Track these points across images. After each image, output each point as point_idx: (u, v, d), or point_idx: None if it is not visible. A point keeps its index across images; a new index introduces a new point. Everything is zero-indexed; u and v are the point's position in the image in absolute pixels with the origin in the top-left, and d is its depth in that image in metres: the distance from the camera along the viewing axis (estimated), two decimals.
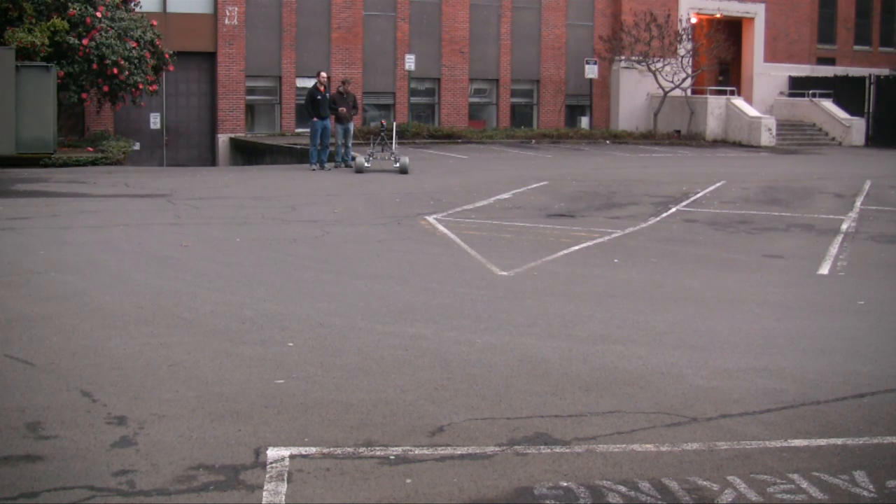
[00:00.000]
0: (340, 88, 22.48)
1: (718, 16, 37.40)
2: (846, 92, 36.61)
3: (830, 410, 6.17)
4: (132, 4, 25.57)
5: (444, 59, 33.08)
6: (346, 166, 22.18)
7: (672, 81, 33.59)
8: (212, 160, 30.13)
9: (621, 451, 5.36)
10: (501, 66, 34.08)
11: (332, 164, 22.40)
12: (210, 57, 30.00)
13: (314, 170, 21.53)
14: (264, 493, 4.70)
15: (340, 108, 22.01)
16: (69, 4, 23.09)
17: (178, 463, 5.04)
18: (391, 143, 22.30)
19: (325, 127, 21.77)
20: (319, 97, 21.74)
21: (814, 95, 36.93)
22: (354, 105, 22.69)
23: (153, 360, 6.88)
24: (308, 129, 23.01)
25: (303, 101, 24.70)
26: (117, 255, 11.07)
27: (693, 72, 34.61)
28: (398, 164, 20.93)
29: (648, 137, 33.77)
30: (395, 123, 25.28)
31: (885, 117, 35.45)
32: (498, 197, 17.45)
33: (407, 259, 11.52)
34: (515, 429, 5.67)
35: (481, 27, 33.68)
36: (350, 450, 5.28)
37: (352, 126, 22.63)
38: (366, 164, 21.06)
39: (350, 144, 22.59)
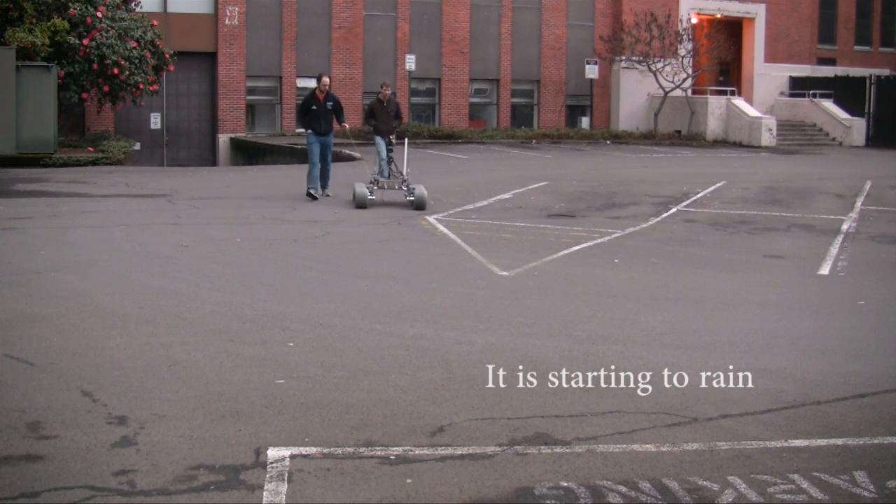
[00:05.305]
0: (380, 95, 17.67)
1: (719, 16, 37.41)
2: (846, 92, 36.60)
3: (831, 411, 6.16)
4: (133, 4, 25.61)
5: (445, 60, 33.08)
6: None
7: (672, 82, 33.58)
8: (212, 160, 30.14)
9: (622, 451, 5.35)
10: (502, 67, 34.08)
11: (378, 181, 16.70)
12: (210, 57, 30.01)
13: (311, 197, 16.61)
14: (265, 493, 4.70)
15: (377, 123, 17.57)
16: (70, 4, 23.10)
17: (178, 463, 5.04)
18: (401, 166, 16.95)
19: (322, 143, 16.92)
20: (315, 107, 16.88)
21: (814, 96, 36.91)
22: (397, 115, 17.68)
23: (154, 360, 6.88)
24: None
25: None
26: (118, 255, 11.07)
27: (693, 72, 34.60)
28: (413, 197, 15.80)
29: (649, 138, 33.77)
30: (406, 139, 19.25)
31: (885, 117, 35.44)
32: (498, 197, 17.44)
33: (407, 259, 11.52)
34: (516, 429, 5.67)
35: (482, 27, 33.69)
36: (350, 450, 5.28)
37: (393, 138, 17.72)
38: (368, 196, 15.82)
39: (392, 159, 17.42)
